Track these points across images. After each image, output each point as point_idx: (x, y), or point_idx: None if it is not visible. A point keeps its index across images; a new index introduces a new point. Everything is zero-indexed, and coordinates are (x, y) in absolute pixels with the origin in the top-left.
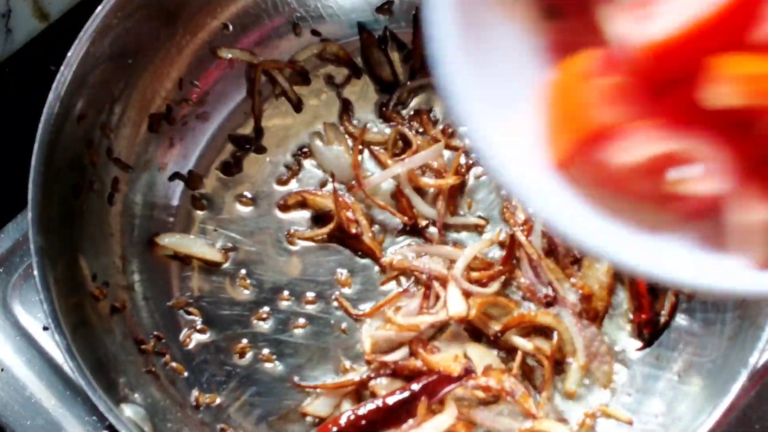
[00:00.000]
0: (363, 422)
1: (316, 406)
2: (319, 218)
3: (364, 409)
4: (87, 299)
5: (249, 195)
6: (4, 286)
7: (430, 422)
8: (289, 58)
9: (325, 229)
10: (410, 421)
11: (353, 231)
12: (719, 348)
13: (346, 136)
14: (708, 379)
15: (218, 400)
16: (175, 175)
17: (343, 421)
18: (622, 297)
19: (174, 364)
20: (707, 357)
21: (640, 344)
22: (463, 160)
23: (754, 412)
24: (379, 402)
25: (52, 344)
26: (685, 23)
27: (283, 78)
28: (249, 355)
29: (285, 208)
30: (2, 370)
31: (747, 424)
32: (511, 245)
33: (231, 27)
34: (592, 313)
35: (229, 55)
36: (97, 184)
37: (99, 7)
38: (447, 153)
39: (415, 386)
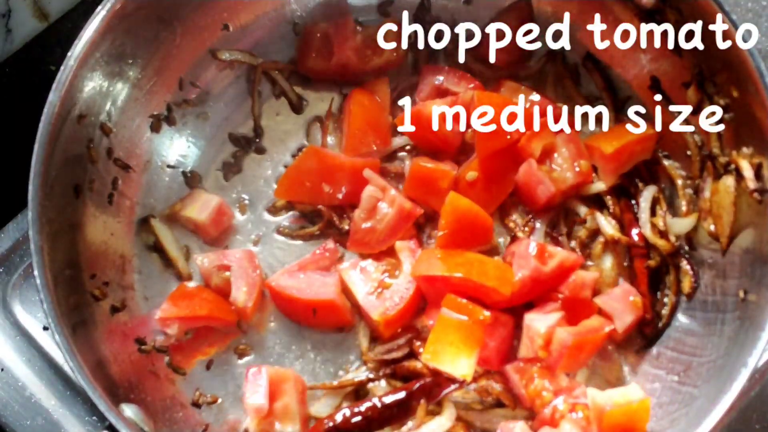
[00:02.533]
0: (359, 419)
1: (317, 407)
2: (306, 215)
3: (359, 408)
4: (87, 299)
5: (248, 195)
6: (4, 286)
7: (428, 424)
8: (290, 58)
9: (315, 228)
10: (409, 423)
11: (344, 227)
12: (719, 348)
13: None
14: (708, 379)
15: (218, 400)
16: (176, 175)
17: (338, 417)
18: None
19: (174, 364)
20: (707, 357)
21: (640, 344)
22: None
23: (754, 412)
24: (375, 401)
25: (52, 344)
26: None
27: (283, 78)
28: (249, 355)
29: (274, 210)
30: (2, 369)
31: (747, 424)
32: None
33: (231, 27)
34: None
35: (229, 57)
36: (97, 184)
37: (99, 7)
38: None
39: (413, 386)
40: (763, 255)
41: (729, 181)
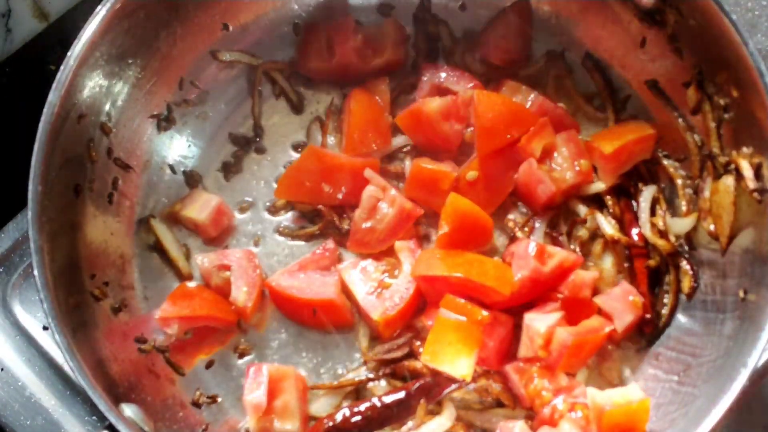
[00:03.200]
0: (359, 419)
1: (317, 406)
2: (306, 215)
3: (359, 407)
4: (87, 299)
5: (248, 195)
6: (4, 286)
7: (428, 424)
8: (290, 58)
9: (315, 228)
10: (409, 422)
11: (344, 227)
12: (719, 348)
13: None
14: (708, 379)
15: (218, 400)
16: (176, 175)
17: (338, 417)
18: None
19: (174, 364)
20: (707, 357)
21: (640, 344)
22: None
23: (754, 412)
24: (375, 401)
25: (52, 344)
26: None
27: (283, 78)
28: (249, 355)
29: (274, 210)
30: (2, 369)
31: (747, 424)
32: None
33: (231, 27)
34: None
35: (229, 58)
36: (97, 184)
37: (99, 7)
38: None
39: (412, 386)
40: (763, 255)
41: (729, 180)
